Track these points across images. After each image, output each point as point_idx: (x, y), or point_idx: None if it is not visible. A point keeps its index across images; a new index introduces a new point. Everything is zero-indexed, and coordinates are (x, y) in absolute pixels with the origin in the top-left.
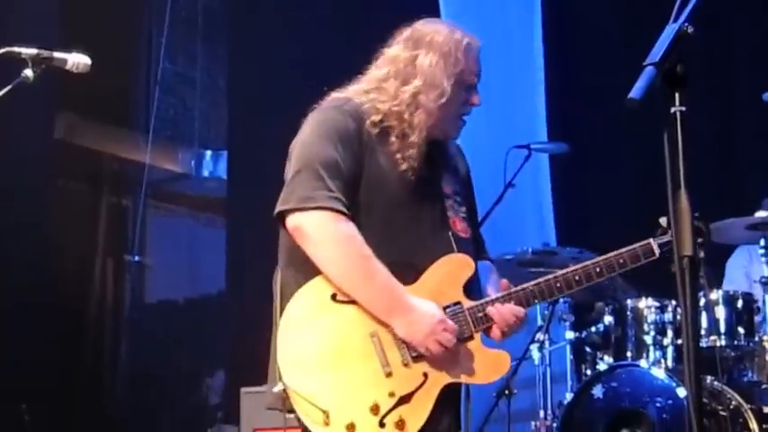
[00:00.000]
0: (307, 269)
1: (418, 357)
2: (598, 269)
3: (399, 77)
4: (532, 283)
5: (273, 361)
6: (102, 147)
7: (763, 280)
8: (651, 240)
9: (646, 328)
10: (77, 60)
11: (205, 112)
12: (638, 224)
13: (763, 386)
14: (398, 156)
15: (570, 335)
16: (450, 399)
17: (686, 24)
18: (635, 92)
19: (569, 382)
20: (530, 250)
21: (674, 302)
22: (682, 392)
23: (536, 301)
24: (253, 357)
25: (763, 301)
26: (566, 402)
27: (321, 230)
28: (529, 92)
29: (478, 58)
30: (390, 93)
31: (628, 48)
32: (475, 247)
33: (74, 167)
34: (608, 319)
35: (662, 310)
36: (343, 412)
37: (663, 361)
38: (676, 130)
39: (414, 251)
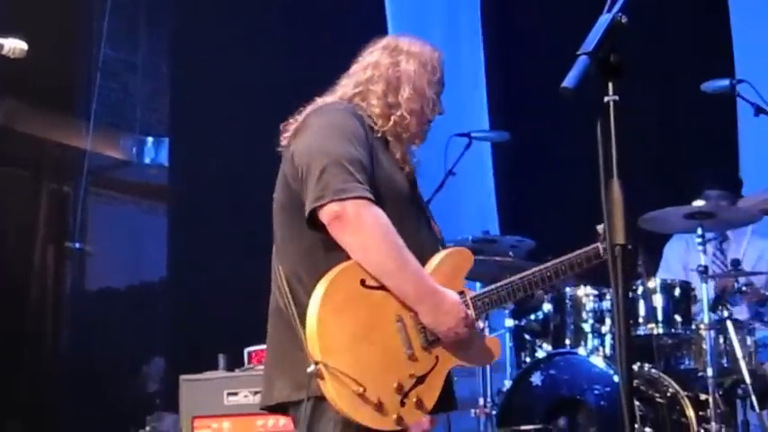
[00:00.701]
0: (331, 259)
1: (434, 342)
2: (563, 267)
3: (383, 82)
4: (516, 278)
5: (288, 346)
6: (42, 133)
7: (700, 269)
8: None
9: (584, 315)
10: (14, 45)
11: (147, 99)
12: (579, 212)
13: (700, 374)
14: (398, 157)
15: (510, 322)
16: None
17: (620, 14)
18: (568, 81)
19: (508, 370)
20: (470, 238)
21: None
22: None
23: (519, 295)
24: (192, 345)
25: (700, 290)
26: (505, 390)
27: (361, 219)
28: (470, 80)
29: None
30: (379, 95)
31: (568, 36)
32: None
33: (14, 153)
34: (547, 306)
35: (600, 298)
36: (373, 390)
37: (601, 349)
38: (610, 120)
39: (419, 246)
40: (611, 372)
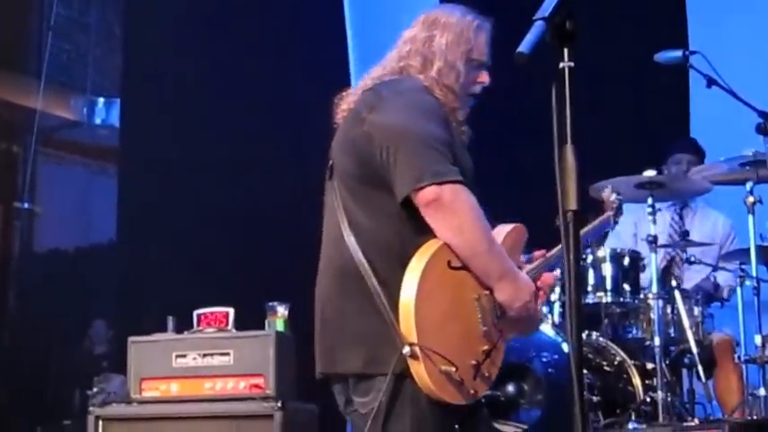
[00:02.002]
0: (414, 238)
1: (501, 317)
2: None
3: (420, 56)
4: (555, 250)
5: (358, 316)
6: None
7: (650, 238)
8: None
9: None
10: None
11: (99, 59)
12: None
13: (647, 343)
14: (460, 129)
15: None
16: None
17: None
18: (524, 46)
19: None
20: None
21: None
22: (567, 348)
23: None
24: (141, 307)
25: (650, 259)
26: None
27: (457, 203)
28: None
29: (488, 39)
30: (419, 70)
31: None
32: None
33: None
34: None
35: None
36: (459, 368)
37: (549, 316)
38: (564, 86)
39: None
40: (560, 340)
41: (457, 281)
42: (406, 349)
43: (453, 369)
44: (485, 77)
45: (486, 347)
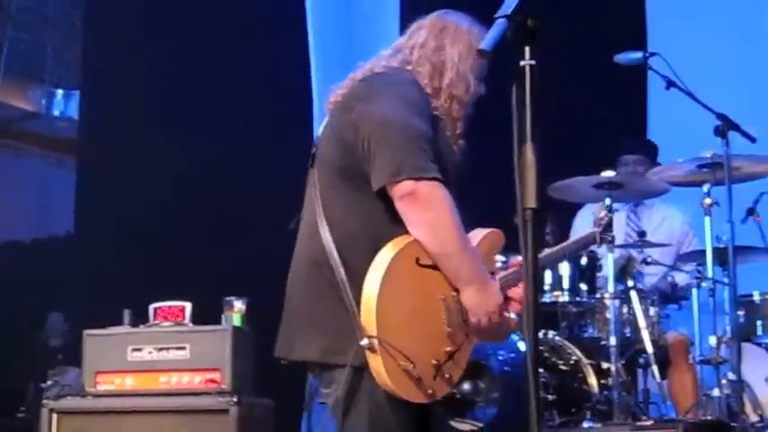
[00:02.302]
0: (386, 232)
1: (467, 320)
2: (559, 255)
3: (430, 64)
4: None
5: (323, 306)
6: None
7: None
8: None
9: None
10: None
11: (58, 50)
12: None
13: (603, 342)
14: (449, 134)
15: None
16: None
17: None
18: (486, 43)
19: None
20: None
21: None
22: (524, 346)
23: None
24: (97, 300)
25: (606, 259)
26: None
27: (433, 200)
28: None
29: None
30: (425, 77)
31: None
32: None
33: None
34: None
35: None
36: (418, 366)
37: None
38: (525, 84)
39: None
40: (516, 338)
41: (425, 279)
42: (365, 341)
43: (411, 366)
44: (482, 89)
45: (449, 348)
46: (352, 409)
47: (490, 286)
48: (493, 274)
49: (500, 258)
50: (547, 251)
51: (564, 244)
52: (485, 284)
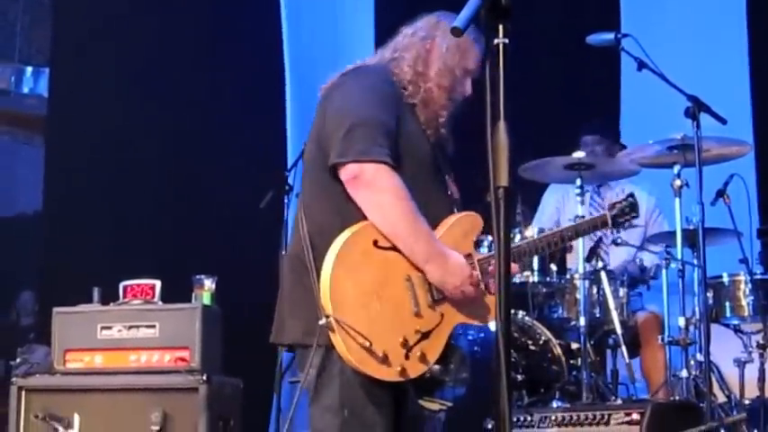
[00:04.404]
0: (353, 218)
1: (440, 300)
2: (569, 234)
3: (415, 51)
4: (524, 242)
5: (303, 292)
6: None
7: (578, 219)
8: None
9: None
10: None
11: (27, 28)
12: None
13: (572, 323)
14: (423, 120)
15: None
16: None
17: None
18: (459, 21)
19: None
20: None
21: (489, 238)
22: (493, 326)
23: (525, 258)
24: (67, 278)
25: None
26: None
27: (379, 181)
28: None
29: (480, 53)
30: (409, 63)
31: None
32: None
33: None
34: None
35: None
36: (379, 344)
37: None
38: (498, 62)
39: (431, 209)
40: None
41: (386, 260)
42: (323, 320)
43: (368, 344)
44: (469, 89)
45: (418, 327)
46: (324, 387)
47: (452, 260)
48: (470, 256)
49: (489, 239)
50: (555, 229)
51: (578, 222)
52: (444, 259)
